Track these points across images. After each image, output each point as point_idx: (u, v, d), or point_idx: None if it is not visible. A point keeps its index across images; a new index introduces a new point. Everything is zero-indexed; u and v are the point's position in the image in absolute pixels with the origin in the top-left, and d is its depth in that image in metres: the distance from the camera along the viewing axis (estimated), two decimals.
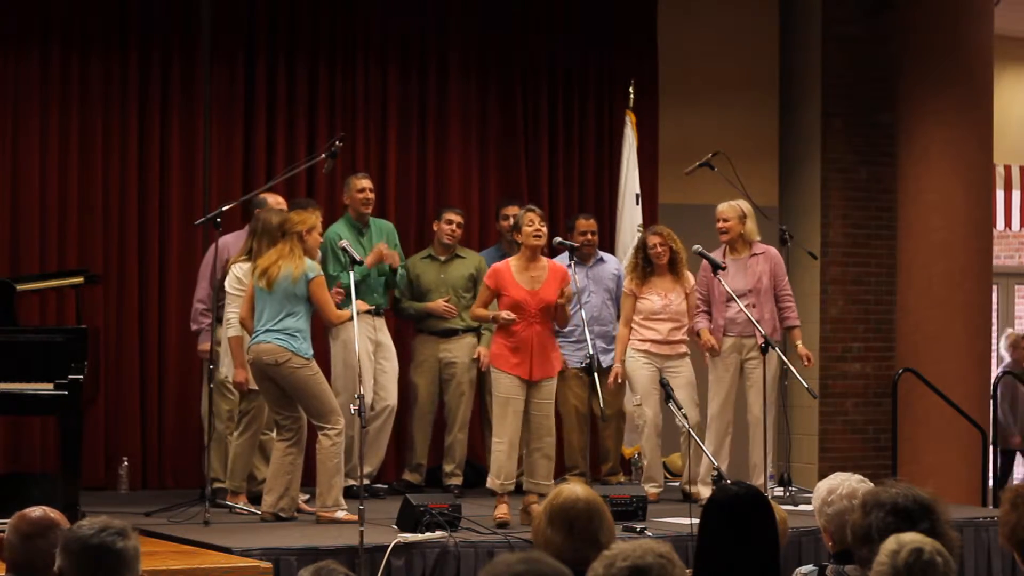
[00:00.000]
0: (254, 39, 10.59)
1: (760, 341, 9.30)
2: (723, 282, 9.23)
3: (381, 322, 9.84)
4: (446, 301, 10.00)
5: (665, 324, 9.58)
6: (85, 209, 10.13)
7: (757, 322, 9.30)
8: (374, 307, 9.70)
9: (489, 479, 8.49)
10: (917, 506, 4.35)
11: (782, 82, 12.23)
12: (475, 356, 10.01)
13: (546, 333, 8.45)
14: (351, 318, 8.30)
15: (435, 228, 10.20)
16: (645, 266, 9.66)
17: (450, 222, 10.09)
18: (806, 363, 9.54)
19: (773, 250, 9.66)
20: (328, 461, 8.37)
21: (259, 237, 8.65)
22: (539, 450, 8.46)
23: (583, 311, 8.92)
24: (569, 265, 8.66)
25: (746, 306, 9.30)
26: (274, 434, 8.64)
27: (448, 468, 10.06)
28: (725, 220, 9.56)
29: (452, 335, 10.07)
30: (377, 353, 9.72)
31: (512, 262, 8.50)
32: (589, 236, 10.18)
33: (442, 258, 10.13)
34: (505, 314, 8.30)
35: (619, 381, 9.68)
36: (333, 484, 8.39)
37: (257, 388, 8.67)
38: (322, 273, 8.49)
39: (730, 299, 9.38)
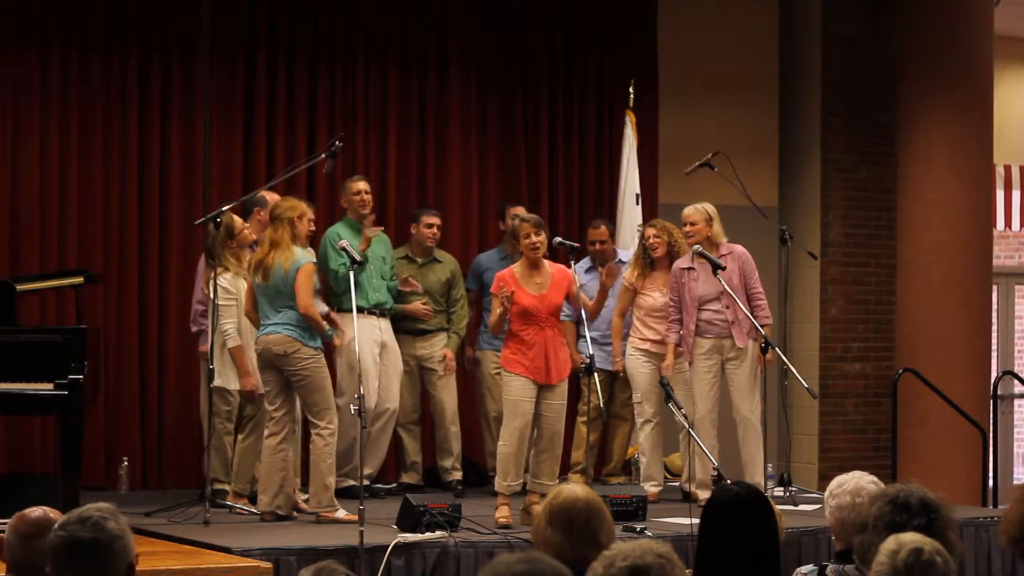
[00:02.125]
0: (254, 39, 10.59)
1: (739, 343, 9.32)
2: (723, 282, 9.21)
3: (386, 323, 9.83)
4: (423, 304, 10.00)
5: (665, 323, 9.57)
6: (85, 209, 10.13)
7: (731, 323, 9.31)
8: (373, 306, 9.69)
9: (496, 481, 8.50)
10: (917, 502, 4.34)
11: (782, 82, 12.23)
12: (441, 358, 10.01)
13: (557, 337, 8.46)
14: (325, 321, 8.34)
15: (412, 231, 10.17)
16: (645, 260, 9.67)
17: (430, 225, 10.08)
18: (760, 367, 9.49)
19: (739, 248, 9.59)
20: (321, 462, 8.36)
21: (216, 248, 8.69)
22: (547, 451, 8.46)
23: (585, 312, 8.92)
24: (569, 264, 8.69)
25: (721, 307, 9.31)
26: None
27: (447, 464, 10.06)
28: (692, 224, 9.49)
29: (427, 333, 10.07)
30: (381, 355, 9.71)
31: (516, 269, 8.50)
32: (598, 246, 10.19)
33: (419, 260, 10.12)
34: (502, 295, 8.20)
35: (622, 374, 9.70)
36: (328, 485, 8.39)
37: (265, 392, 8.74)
38: (312, 261, 8.44)
39: (704, 303, 9.36)
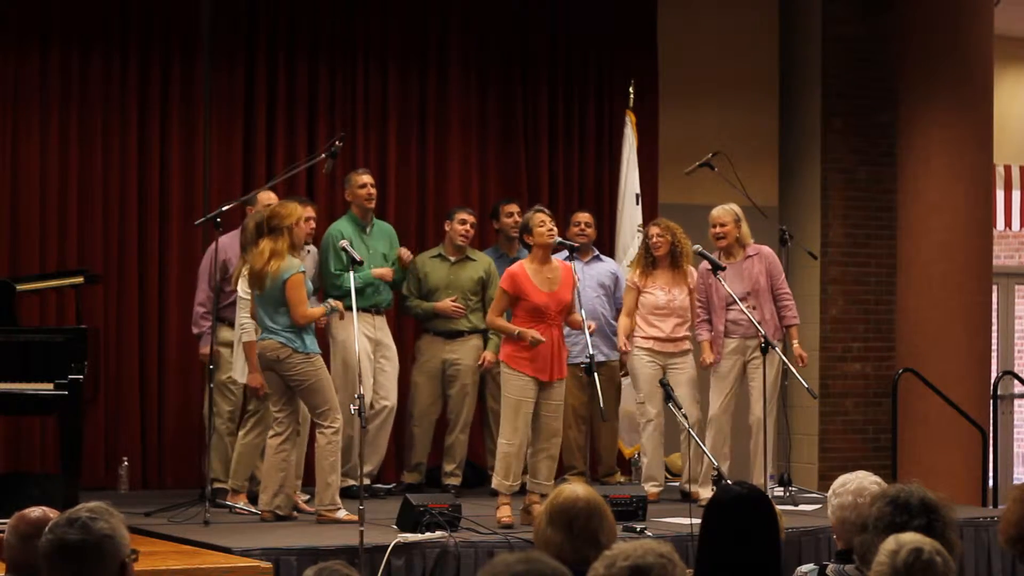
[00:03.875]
0: (254, 39, 10.59)
1: (761, 341, 9.32)
2: (723, 283, 9.21)
3: (382, 320, 9.83)
4: (453, 301, 9.98)
5: (668, 321, 9.56)
6: (85, 209, 10.13)
7: (759, 323, 9.29)
8: (370, 305, 9.68)
9: (495, 479, 8.47)
10: (918, 502, 4.35)
11: (782, 82, 12.23)
12: (480, 361, 9.97)
13: (561, 335, 8.45)
14: (323, 315, 8.33)
15: (447, 228, 10.15)
16: (647, 258, 9.65)
17: (464, 222, 10.06)
18: (801, 363, 9.50)
19: (767, 249, 9.62)
20: (324, 460, 8.37)
21: (247, 247, 8.66)
22: (544, 451, 8.44)
23: (582, 310, 8.93)
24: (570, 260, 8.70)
25: (747, 307, 9.29)
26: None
27: (448, 468, 10.05)
28: (722, 225, 9.50)
29: (458, 336, 10.04)
30: (376, 352, 9.71)
31: (526, 265, 8.43)
32: (583, 227, 10.18)
33: (452, 259, 10.09)
34: (532, 335, 8.20)
35: (622, 373, 9.69)
36: (329, 483, 8.39)
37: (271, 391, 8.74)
38: (301, 270, 8.38)
39: (731, 303, 9.36)
